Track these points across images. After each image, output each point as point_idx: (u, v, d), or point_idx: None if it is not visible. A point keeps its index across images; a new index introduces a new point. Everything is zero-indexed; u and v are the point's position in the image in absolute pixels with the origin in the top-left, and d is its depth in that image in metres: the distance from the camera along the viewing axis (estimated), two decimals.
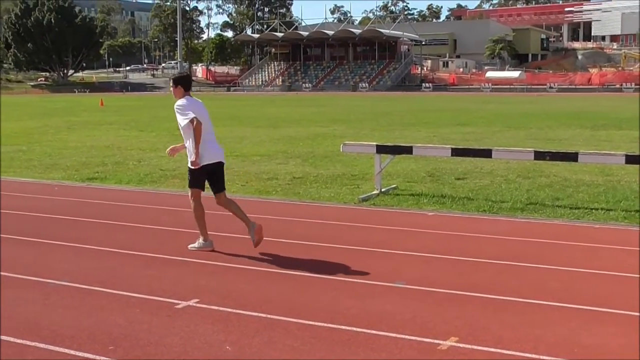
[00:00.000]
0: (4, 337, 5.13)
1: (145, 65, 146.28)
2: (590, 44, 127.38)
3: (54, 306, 5.86)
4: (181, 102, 7.71)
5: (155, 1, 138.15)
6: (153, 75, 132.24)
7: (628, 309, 5.69)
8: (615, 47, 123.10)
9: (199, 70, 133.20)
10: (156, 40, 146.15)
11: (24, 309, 5.78)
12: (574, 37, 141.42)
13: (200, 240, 7.90)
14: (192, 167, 7.75)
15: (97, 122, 32.13)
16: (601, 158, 11.19)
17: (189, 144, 7.72)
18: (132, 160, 16.85)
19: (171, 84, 7.92)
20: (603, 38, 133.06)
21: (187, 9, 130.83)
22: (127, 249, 7.92)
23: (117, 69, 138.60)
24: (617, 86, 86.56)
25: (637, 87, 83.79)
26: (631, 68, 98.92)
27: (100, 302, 5.98)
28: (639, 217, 9.67)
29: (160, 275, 6.83)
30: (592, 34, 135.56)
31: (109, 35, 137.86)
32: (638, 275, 6.74)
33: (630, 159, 10.50)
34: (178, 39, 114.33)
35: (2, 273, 6.88)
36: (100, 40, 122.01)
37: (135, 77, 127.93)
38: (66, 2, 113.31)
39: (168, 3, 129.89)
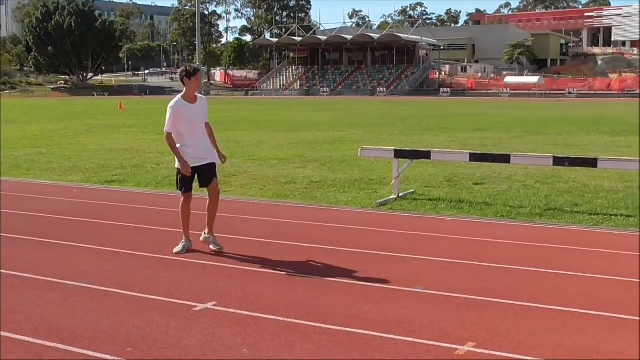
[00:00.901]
0: (24, 338, 5.16)
1: (164, 68, 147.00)
2: (610, 50, 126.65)
3: (73, 308, 5.89)
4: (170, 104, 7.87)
5: (175, 5, 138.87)
6: (172, 78, 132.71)
7: None
8: (635, 52, 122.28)
9: (218, 74, 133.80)
10: (175, 44, 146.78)
11: (44, 310, 5.81)
12: (594, 42, 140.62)
13: (183, 241, 8.07)
14: (177, 168, 7.96)
15: (116, 125, 32.32)
16: (620, 164, 11.11)
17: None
18: (150, 164, 16.92)
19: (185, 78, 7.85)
20: (623, 43, 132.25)
21: (206, 13, 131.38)
22: (145, 252, 7.95)
23: (136, 73, 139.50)
24: (637, 92, 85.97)
25: None
26: None
27: (119, 304, 6.01)
28: None
29: (178, 278, 6.85)
30: (612, 39, 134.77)
31: (128, 38, 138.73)
32: None
33: None
34: (197, 42, 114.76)
35: (22, 274, 6.94)
36: (120, 43, 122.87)
37: (154, 81, 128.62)
38: (86, 6, 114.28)
39: (187, 7, 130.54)
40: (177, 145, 7.82)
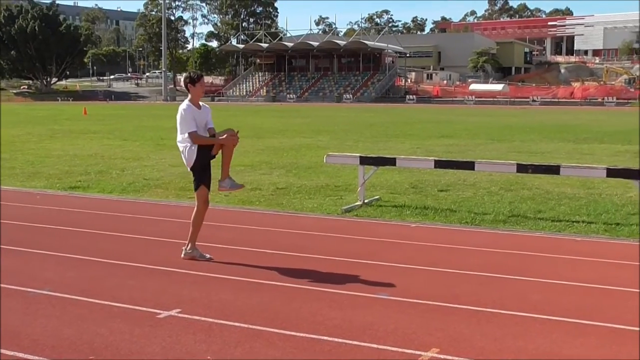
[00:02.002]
0: None
1: (129, 74, 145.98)
2: (572, 58, 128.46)
3: (35, 315, 5.82)
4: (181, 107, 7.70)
5: (141, 10, 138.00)
6: (137, 84, 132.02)
7: (609, 321, 5.73)
8: (597, 61, 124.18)
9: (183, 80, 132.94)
10: (141, 49, 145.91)
11: (5, 318, 5.73)
12: (557, 51, 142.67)
13: (193, 249, 7.93)
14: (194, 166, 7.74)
15: (81, 131, 32.02)
16: (583, 171, 11.27)
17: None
18: (115, 169, 16.79)
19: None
20: (585, 52, 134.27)
21: (172, 18, 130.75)
22: (109, 259, 7.88)
23: (101, 78, 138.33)
24: (599, 100, 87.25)
25: (619, 101, 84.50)
26: (613, 82, 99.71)
27: (82, 311, 5.95)
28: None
29: (142, 285, 6.80)
30: (575, 48, 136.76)
31: (93, 43, 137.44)
32: (619, 288, 6.79)
33: (612, 173, 10.59)
34: (163, 48, 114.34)
35: None
36: (85, 48, 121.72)
37: (119, 86, 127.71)
38: (50, 10, 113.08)
39: (153, 12, 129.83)
40: (185, 145, 7.64)
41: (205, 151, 7.68)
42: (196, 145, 7.60)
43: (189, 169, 7.84)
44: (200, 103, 7.79)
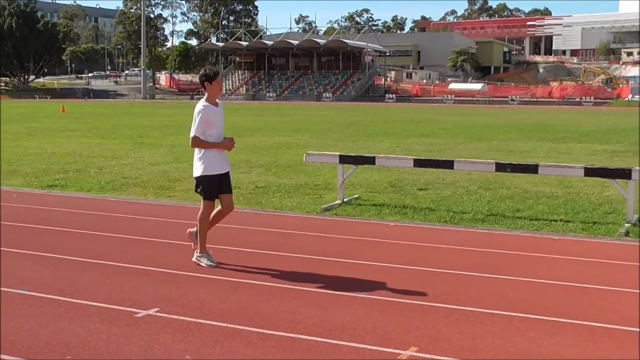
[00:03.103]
0: None
1: (108, 72, 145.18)
2: (551, 58, 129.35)
3: (11, 315, 5.77)
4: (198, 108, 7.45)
5: (120, 7, 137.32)
6: (116, 82, 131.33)
7: (586, 320, 5.76)
8: (575, 61, 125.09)
9: (163, 78, 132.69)
10: (120, 47, 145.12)
11: None
12: (536, 50, 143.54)
13: (203, 254, 7.62)
14: (202, 175, 7.49)
15: (58, 129, 31.80)
16: (561, 170, 11.35)
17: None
18: (93, 168, 16.68)
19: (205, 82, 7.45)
20: (564, 52, 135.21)
21: (152, 16, 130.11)
22: (87, 258, 7.83)
23: (80, 76, 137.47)
24: (577, 100, 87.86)
25: (596, 101, 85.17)
26: (591, 82, 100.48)
27: (59, 311, 5.90)
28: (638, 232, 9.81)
29: (119, 284, 6.76)
30: (553, 48, 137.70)
31: (72, 41, 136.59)
32: (596, 286, 6.83)
33: (589, 172, 10.66)
34: (142, 46, 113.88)
35: None
36: (63, 46, 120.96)
37: (98, 84, 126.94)
38: (28, 7, 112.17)
39: (132, 10, 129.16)
40: (204, 150, 7.46)
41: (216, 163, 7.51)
42: (218, 155, 7.47)
43: (196, 175, 7.55)
44: (217, 101, 7.57)
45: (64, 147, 22.23)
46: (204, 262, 7.51)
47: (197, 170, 7.52)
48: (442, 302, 6.22)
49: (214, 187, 7.52)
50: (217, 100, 7.55)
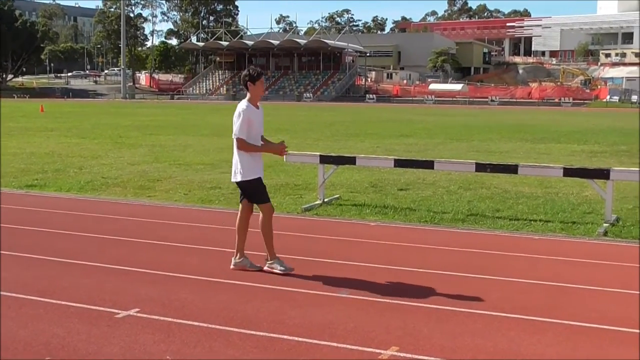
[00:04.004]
0: None
1: (87, 71, 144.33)
2: (530, 59, 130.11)
3: None
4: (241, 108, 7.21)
5: (99, 7, 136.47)
6: (95, 82, 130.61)
7: (566, 319, 5.80)
8: (554, 62, 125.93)
9: (143, 78, 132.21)
10: (99, 46, 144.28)
11: None
12: (515, 51, 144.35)
13: (277, 263, 7.34)
14: (254, 178, 7.24)
15: (37, 129, 31.57)
16: (540, 170, 11.42)
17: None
18: (73, 168, 16.58)
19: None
20: (543, 53, 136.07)
21: (132, 15, 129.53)
22: (66, 258, 7.78)
23: (59, 75, 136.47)
24: (556, 100, 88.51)
25: (575, 101, 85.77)
26: (569, 83, 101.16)
27: (38, 311, 5.86)
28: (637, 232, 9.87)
29: (100, 285, 6.72)
30: (533, 49, 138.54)
31: (51, 40, 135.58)
32: (575, 286, 6.88)
33: (568, 172, 10.75)
34: (122, 45, 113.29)
35: None
36: (42, 45, 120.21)
37: (77, 84, 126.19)
38: (5, 5, 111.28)
39: (112, 9, 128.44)
40: (244, 152, 7.20)
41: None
42: (257, 156, 7.26)
43: (239, 180, 7.29)
44: (258, 103, 7.35)
45: (42, 147, 22.07)
46: (278, 268, 7.27)
47: (240, 174, 7.25)
48: (422, 302, 6.24)
49: (263, 188, 7.32)
50: (258, 103, 7.32)
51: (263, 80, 7.33)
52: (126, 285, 6.72)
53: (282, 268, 7.26)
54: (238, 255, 7.43)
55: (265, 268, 7.36)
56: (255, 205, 7.44)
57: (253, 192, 7.28)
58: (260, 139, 7.44)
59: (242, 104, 7.20)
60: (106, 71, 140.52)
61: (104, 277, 7.04)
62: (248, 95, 7.26)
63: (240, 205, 7.52)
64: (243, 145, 7.15)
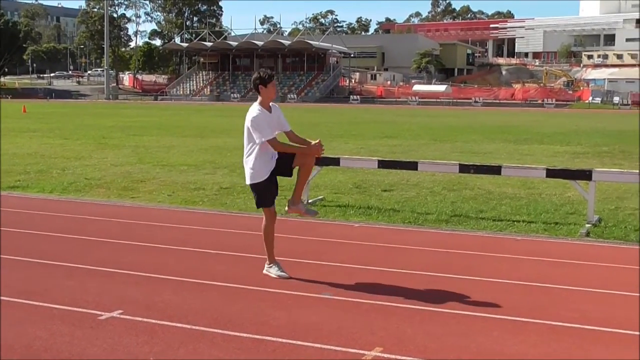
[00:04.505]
0: None
1: (70, 72, 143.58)
2: (513, 60, 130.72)
3: None
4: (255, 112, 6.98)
5: (82, 7, 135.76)
6: (79, 82, 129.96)
7: (548, 319, 5.83)
8: (537, 63, 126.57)
9: (126, 79, 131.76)
10: (82, 46, 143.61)
11: None
12: (499, 53, 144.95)
13: (273, 264, 7.29)
14: (259, 181, 7.05)
15: (20, 129, 31.38)
16: (523, 171, 11.47)
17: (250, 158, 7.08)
18: (56, 169, 16.50)
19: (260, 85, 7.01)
20: (526, 55, 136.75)
21: (115, 16, 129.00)
22: (49, 259, 7.74)
23: (41, 75, 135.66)
24: (539, 102, 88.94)
25: (558, 102, 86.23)
26: (552, 84, 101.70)
27: (20, 314, 5.83)
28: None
29: (83, 286, 6.69)
30: (516, 51, 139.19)
31: (33, 40, 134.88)
32: (558, 286, 6.92)
33: (551, 173, 10.81)
34: (105, 46, 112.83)
35: None
36: (24, 45, 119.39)
37: (60, 84, 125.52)
38: None
39: (95, 9, 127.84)
40: (253, 156, 6.97)
41: (279, 166, 7.08)
42: (266, 157, 6.99)
43: (248, 183, 7.15)
44: (270, 104, 7.11)
45: (25, 148, 21.94)
46: (274, 272, 7.21)
47: (250, 177, 7.10)
48: (406, 303, 6.26)
49: (269, 192, 7.14)
50: (270, 104, 7.11)
51: (275, 83, 7.10)
52: (109, 287, 6.69)
53: (277, 272, 7.19)
54: (268, 261, 7.33)
55: (264, 272, 7.32)
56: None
57: (258, 194, 7.15)
58: (289, 137, 7.25)
59: (254, 110, 6.95)
60: (89, 72, 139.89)
61: (87, 278, 7.01)
62: (259, 98, 7.03)
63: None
64: (278, 145, 6.97)
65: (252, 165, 7.02)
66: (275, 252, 7.32)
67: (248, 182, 7.12)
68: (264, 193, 7.11)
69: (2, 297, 6.27)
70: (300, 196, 7.35)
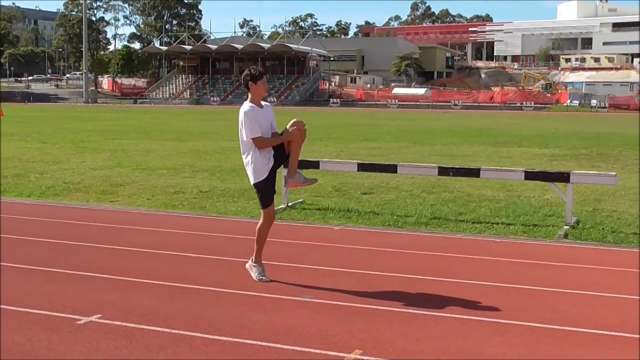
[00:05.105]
0: None
1: (48, 75, 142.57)
2: (492, 64, 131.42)
3: None
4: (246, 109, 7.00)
5: (60, 10, 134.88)
6: (57, 86, 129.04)
7: (527, 320, 5.87)
8: (516, 67, 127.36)
9: (105, 82, 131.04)
10: (61, 50, 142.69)
11: None
12: (478, 56, 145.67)
13: (257, 268, 7.25)
14: (260, 180, 7.03)
15: None
16: (502, 174, 11.54)
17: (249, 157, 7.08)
18: (34, 173, 16.38)
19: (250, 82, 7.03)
20: (505, 58, 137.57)
21: (93, 19, 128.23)
22: (27, 264, 7.68)
23: (19, 79, 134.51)
24: (518, 104, 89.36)
25: (537, 105, 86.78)
26: (531, 87, 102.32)
27: None
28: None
29: (61, 290, 6.65)
30: (495, 54, 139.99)
31: (11, 43, 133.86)
32: (536, 288, 6.96)
33: (530, 175, 10.88)
34: (84, 49, 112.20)
35: None
36: (1, 48, 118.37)
37: (38, 88, 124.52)
38: None
39: (73, 12, 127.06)
40: (251, 155, 6.99)
41: (276, 161, 7.08)
42: (265, 155, 6.98)
43: (252, 183, 7.13)
44: (262, 102, 7.15)
45: (2, 152, 21.75)
46: (254, 273, 7.20)
47: (251, 177, 7.10)
48: (386, 305, 6.27)
49: (269, 191, 7.12)
50: (262, 102, 7.14)
51: (265, 80, 7.12)
52: (88, 291, 6.66)
53: (258, 275, 7.17)
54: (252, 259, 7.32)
55: (246, 266, 7.34)
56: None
57: (261, 193, 7.12)
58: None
59: (244, 107, 6.99)
60: (68, 75, 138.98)
61: (66, 283, 6.97)
62: (249, 96, 7.08)
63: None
64: (261, 143, 6.94)
65: (252, 164, 7.04)
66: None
67: (252, 181, 7.09)
68: (265, 191, 7.09)
69: None
70: (296, 168, 7.32)
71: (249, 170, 7.08)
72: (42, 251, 8.42)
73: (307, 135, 7.29)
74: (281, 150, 7.12)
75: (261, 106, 7.10)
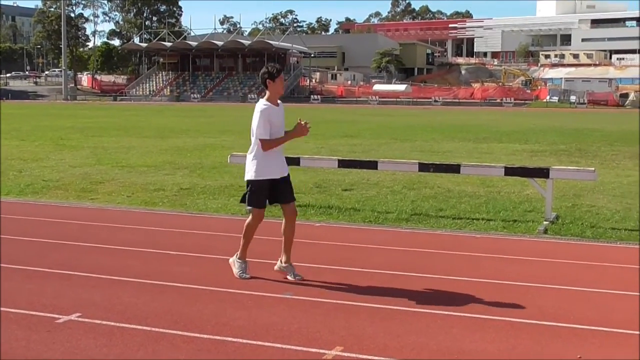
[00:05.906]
0: None
1: (27, 72, 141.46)
2: (472, 60, 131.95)
3: None
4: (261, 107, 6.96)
5: (39, 6, 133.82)
6: (36, 83, 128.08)
7: (507, 315, 5.90)
8: (496, 63, 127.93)
9: (85, 79, 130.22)
10: (39, 46, 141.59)
11: None
12: (458, 52, 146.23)
13: (241, 261, 7.21)
14: (256, 179, 6.96)
15: None
16: (482, 170, 11.58)
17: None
18: (12, 171, 16.24)
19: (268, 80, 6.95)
20: (485, 54, 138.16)
21: (72, 15, 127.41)
22: (5, 263, 7.61)
23: None
24: (498, 101, 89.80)
25: (516, 102, 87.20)
26: (511, 84, 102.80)
27: None
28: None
29: (40, 289, 6.60)
30: (475, 50, 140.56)
31: None
32: (516, 283, 7.00)
33: (509, 171, 10.93)
34: (63, 46, 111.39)
35: None
36: None
37: (17, 85, 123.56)
38: None
39: (52, 9, 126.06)
40: (257, 151, 6.94)
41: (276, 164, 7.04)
42: (271, 157, 6.94)
43: (247, 179, 7.03)
44: (278, 101, 7.09)
45: None
46: (236, 269, 7.16)
47: (248, 173, 7.03)
48: (366, 302, 6.28)
49: (263, 194, 7.01)
50: (278, 100, 7.10)
51: (282, 77, 7.04)
52: (67, 290, 6.62)
53: (240, 272, 7.14)
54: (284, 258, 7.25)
55: (230, 260, 7.31)
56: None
57: (253, 191, 7.01)
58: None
59: (261, 104, 6.94)
60: (47, 72, 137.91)
61: (45, 281, 6.92)
62: (267, 94, 7.00)
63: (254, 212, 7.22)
64: (267, 146, 6.89)
65: (252, 161, 6.99)
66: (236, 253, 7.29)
67: (250, 177, 7.00)
68: (259, 194, 7.00)
69: None
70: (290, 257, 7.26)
71: (251, 166, 7.01)
72: (20, 249, 8.35)
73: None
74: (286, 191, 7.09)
75: (277, 104, 7.05)
